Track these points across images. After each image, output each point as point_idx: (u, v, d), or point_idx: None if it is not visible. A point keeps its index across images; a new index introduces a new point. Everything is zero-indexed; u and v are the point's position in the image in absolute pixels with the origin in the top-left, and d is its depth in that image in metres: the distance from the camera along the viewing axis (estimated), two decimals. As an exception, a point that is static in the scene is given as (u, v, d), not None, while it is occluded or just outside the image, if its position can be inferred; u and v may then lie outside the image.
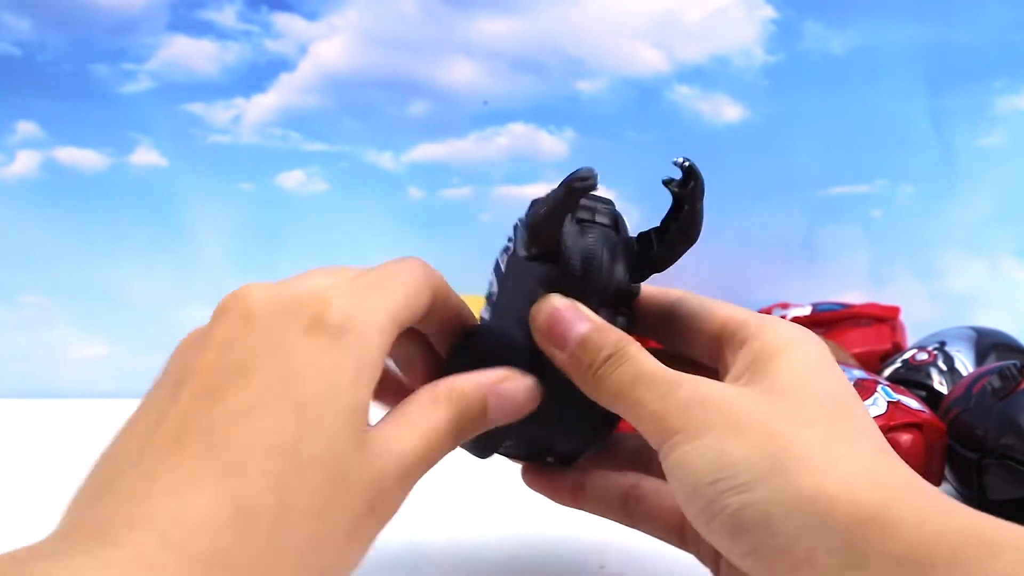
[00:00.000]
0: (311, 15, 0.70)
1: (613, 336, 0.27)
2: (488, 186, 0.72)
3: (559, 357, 0.27)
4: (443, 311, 0.28)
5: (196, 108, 0.70)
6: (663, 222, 0.28)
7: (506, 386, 0.27)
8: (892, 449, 0.24)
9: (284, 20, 0.70)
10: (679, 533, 0.30)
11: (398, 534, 0.35)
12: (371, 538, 0.23)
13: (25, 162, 0.70)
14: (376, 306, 0.24)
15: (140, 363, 0.71)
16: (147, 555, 0.18)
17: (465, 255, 0.74)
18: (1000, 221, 0.73)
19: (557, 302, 0.27)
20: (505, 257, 0.29)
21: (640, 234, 0.29)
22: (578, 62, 0.70)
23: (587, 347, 0.26)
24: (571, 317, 0.27)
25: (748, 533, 0.22)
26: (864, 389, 0.43)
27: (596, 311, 0.27)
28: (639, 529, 0.31)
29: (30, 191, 0.70)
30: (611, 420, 0.29)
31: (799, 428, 0.23)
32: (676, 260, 0.29)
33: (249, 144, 0.71)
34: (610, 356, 0.26)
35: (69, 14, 0.68)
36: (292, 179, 0.71)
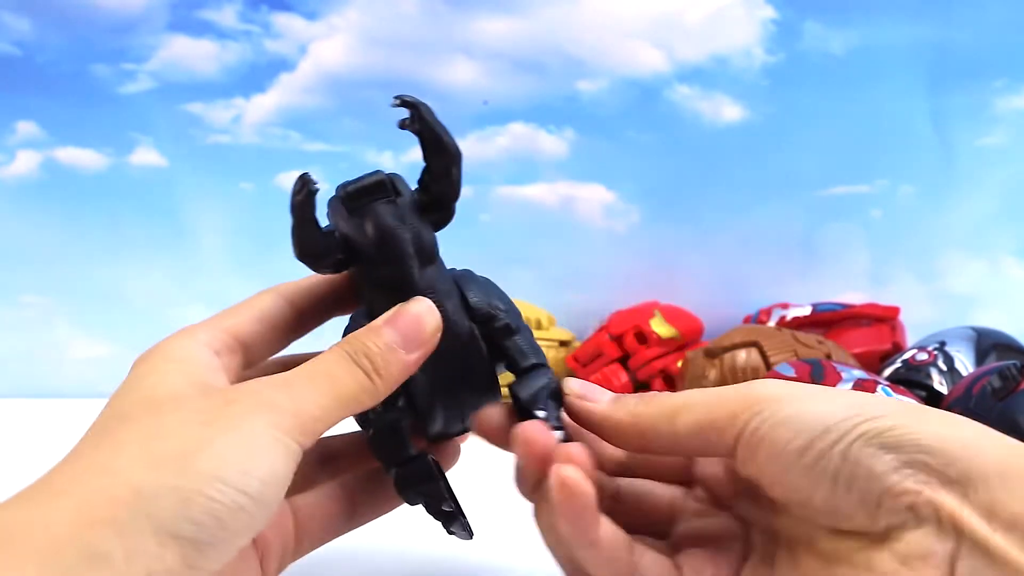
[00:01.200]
0: (311, 15, 0.70)
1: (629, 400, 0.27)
2: (488, 186, 0.72)
3: (597, 413, 0.28)
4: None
5: (196, 108, 0.70)
6: (424, 159, 0.29)
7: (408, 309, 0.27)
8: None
9: (284, 20, 0.70)
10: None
11: (398, 535, 0.35)
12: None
13: (25, 162, 0.70)
14: None
15: (140, 363, 0.71)
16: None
17: (465, 255, 0.74)
18: (1000, 221, 0.73)
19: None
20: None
21: (418, 182, 0.29)
22: (578, 62, 0.70)
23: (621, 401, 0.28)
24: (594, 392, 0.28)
25: (896, 452, 0.22)
26: (864, 389, 0.43)
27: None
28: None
29: (30, 191, 0.70)
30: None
31: (880, 400, 0.24)
32: (456, 182, 0.29)
33: (249, 144, 0.71)
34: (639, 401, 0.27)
35: (69, 14, 0.68)
36: (292, 179, 0.71)
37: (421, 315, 0.27)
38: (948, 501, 0.22)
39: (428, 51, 0.70)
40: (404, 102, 0.27)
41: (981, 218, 0.73)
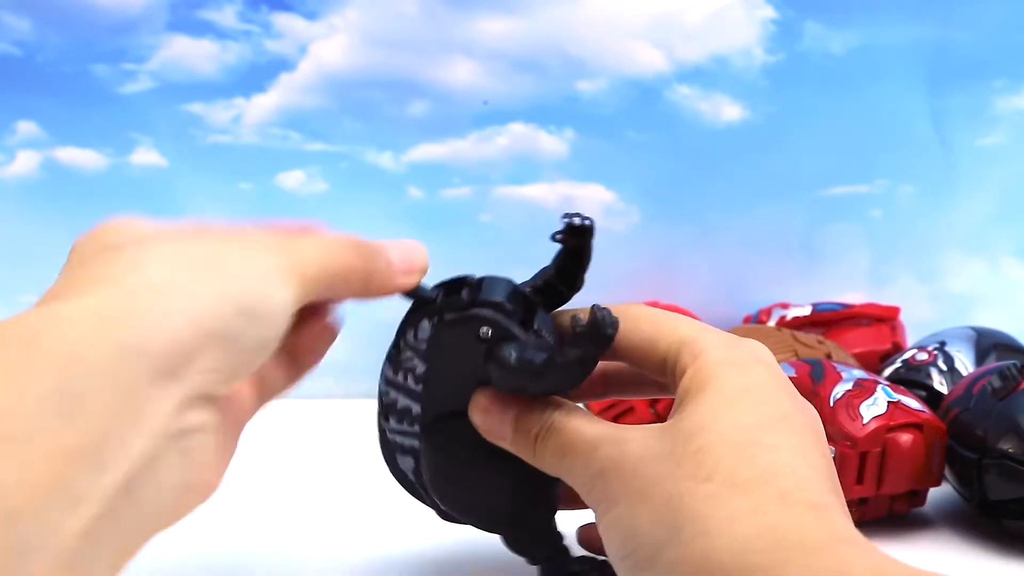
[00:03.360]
0: (311, 15, 0.70)
1: (537, 413, 0.28)
2: (488, 186, 0.72)
3: (505, 446, 0.28)
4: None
5: (196, 108, 0.70)
6: (560, 265, 0.30)
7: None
8: (804, 480, 0.23)
9: (284, 20, 0.70)
10: None
11: (396, 537, 0.35)
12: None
13: (25, 162, 0.70)
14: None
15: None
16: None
17: (465, 255, 0.74)
18: (1000, 221, 0.73)
19: (483, 400, 0.29)
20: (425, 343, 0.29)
21: (537, 289, 0.30)
22: (578, 62, 0.70)
23: (520, 431, 0.28)
24: (499, 408, 0.28)
25: None
26: (864, 389, 0.43)
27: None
28: None
29: (30, 191, 0.70)
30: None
31: (697, 484, 0.23)
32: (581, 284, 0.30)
33: (249, 144, 0.71)
34: (538, 435, 0.27)
35: (69, 14, 0.68)
36: (292, 179, 0.71)
37: (414, 247, 0.29)
38: None
39: (428, 51, 0.70)
40: (583, 222, 0.28)
41: (981, 218, 0.73)
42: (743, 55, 0.70)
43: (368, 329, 0.71)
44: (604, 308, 0.26)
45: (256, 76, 0.70)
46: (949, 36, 0.70)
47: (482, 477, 0.30)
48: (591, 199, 0.71)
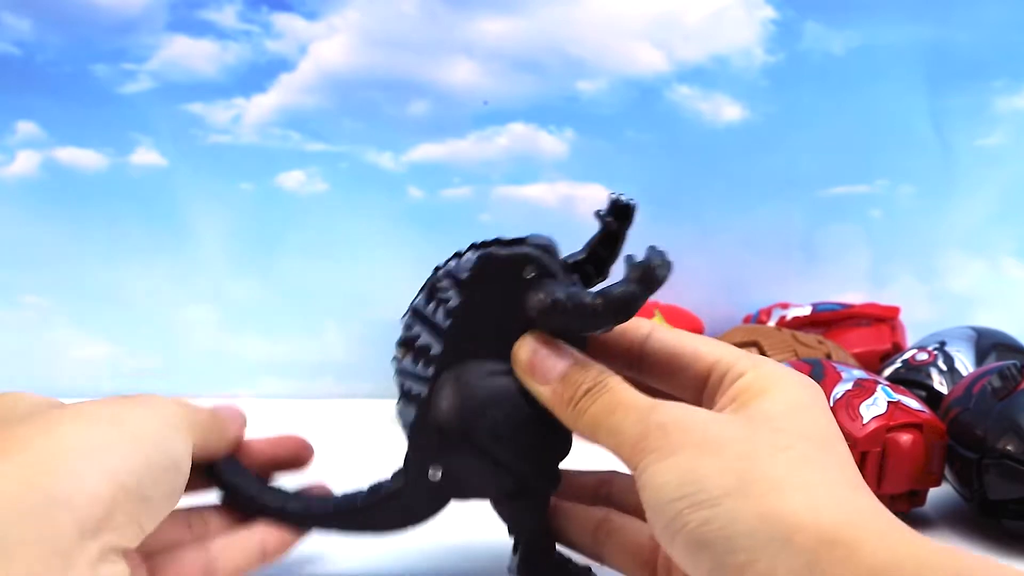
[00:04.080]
0: (311, 15, 0.70)
1: (594, 370, 0.27)
2: (488, 186, 0.72)
3: (542, 392, 0.28)
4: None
5: (196, 108, 0.70)
6: (598, 245, 0.31)
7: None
8: (866, 485, 0.24)
9: (284, 20, 0.70)
10: (651, 570, 0.29)
11: (396, 537, 0.35)
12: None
13: (25, 162, 0.70)
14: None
15: (140, 363, 0.71)
16: None
17: (465, 255, 0.74)
18: (1000, 221, 0.73)
19: (537, 341, 0.28)
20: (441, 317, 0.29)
21: (584, 259, 0.31)
22: (578, 62, 0.70)
23: (568, 382, 0.27)
24: (552, 354, 0.28)
25: (709, 550, 0.22)
26: (864, 389, 0.43)
27: None
28: (608, 564, 0.31)
29: (30, 191, 0.70)
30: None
31: (773, 451, 0.23)
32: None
33: (249, 144, 0.71)
34: (589, 389, 0.27)
35: (69, 14, 0.68)
36: (292, 179, 0.71)
37: (230, 415, 0.32)
38: None
39: (428, 51, 0.70)
40: (628, 201, 0.30)
41: (981, 218, 0.73)
42: (743, 55, 0.70)
43: (368, 329, 0.71)
44: (660, 250, 0.26)
45: (256, 76, 0.70)
46: (949, 36, 0.70)
47: (523, 423, 0.29)
48: (591, 199, 0.71)
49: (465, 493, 0.31)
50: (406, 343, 0.29)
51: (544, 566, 0.31)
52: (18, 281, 0.72)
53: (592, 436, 0.27)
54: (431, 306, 0.29)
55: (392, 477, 0.32)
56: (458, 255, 0.30)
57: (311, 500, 0.32)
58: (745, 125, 0.71)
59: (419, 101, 0.70)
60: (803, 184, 0.72)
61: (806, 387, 0.27)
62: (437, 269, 0.30)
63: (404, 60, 0.70)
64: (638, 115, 0.71)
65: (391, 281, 0.70)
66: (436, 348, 0.29)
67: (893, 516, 0.22)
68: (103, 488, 0.22)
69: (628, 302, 0.26)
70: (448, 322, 0.29)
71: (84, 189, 0.70)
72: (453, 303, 0.29)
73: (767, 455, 0.23)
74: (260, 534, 0.31)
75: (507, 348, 0.28)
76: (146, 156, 0.71)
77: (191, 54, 0.69)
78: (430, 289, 0.29)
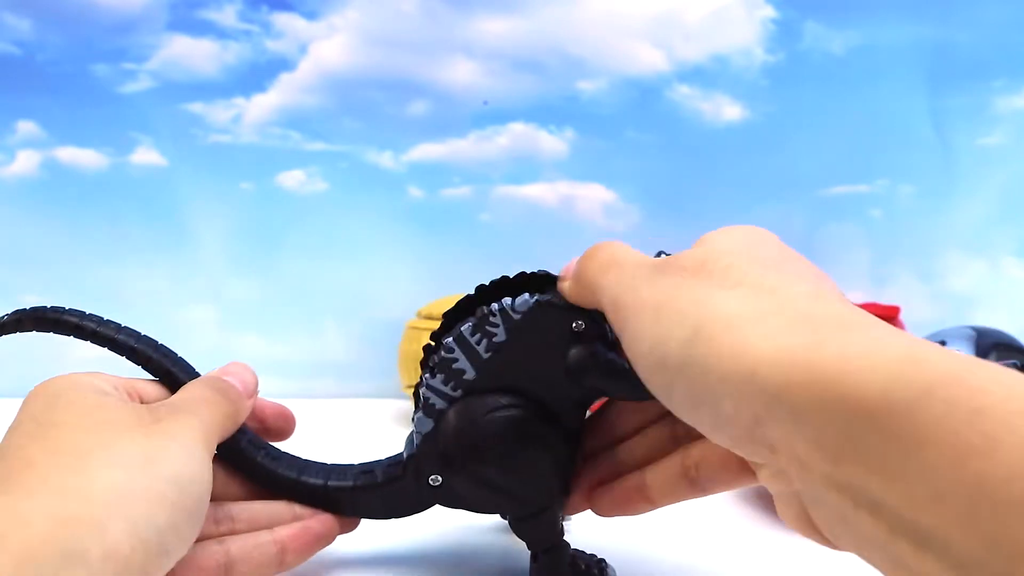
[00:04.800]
0: (311, 15, 0.70)
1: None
2: (488, 186, 0.72)
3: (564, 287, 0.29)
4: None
5: (196, 108, 0.70)
6: None
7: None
8: (832, 290, 0.23)
9: (284, 20, 0.70)
10: (750, 468, 0.27)
11: (396, 538, 0.35)
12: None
13: (25, 162, 0.70)
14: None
15: (140, 363, 0.71)
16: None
17: (465, 255, 0.74)
18: (1000, 221, 0.73)
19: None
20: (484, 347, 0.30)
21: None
22: (578, 62, 0.71)
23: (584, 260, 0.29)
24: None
25: (705, 407, 0.22)
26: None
27: None
28: (714, 492, 0.30)
29: (30, 191, 0.70)
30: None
31: (725, 290, 0.23)
32: None
33: (249, 144, 0.71)
34: (592, 251, 0.29)
35: (69, 14, 0.68)
36: (292, 179, 0.71)
37: (245, 371, 0.33)
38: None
39: (428, 51, 0.70)
40: None
41: (981, 218, 0.73)
42: (743, 55, 0.70)
43: (368, 329, 0.71)
44: None
45: (256, 76, 0.70)
46: (949, 36, 0.70)
47: (520, 458, 0.30)
48: (591, 199, 0.71)
49: (459, 505, 0.32)
50: (443, 364, 0.30)
51: (562, 573, 0.32)
52: (18, 281, 0.72)
53: (594, 301, 0.28)
54: (476, 336, 0.30)
55: (387, 465, 0.33)
56: (507, 281, 0.31)
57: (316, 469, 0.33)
58: (745, 125, 0.71)
59: (419, 101, 0.70)
60: (803, 184, 0.72)
61: (758, 229, 0.27)
62: (481, 288, 0.31)
63: (404, 60, 0.70)
64: (638, 115, 0.71)
65: (391, 281, 0.70)
66: (470, 374, 0.30)
67: (856, 315, 0.21)
68: (122, 544, 0.23)
69: None
70: (489, 354, 0.30)
71: (84, 189, 0.70)
72: (500, 339, 0.30)
73: (720, 296, 0.23)
74: (282, 538, 0.31)
75: (533, 387, 0.30)
76: (146, 156, 0.71)
77: (191, 54, 0.69)
78: (479, 320, 0.30)
